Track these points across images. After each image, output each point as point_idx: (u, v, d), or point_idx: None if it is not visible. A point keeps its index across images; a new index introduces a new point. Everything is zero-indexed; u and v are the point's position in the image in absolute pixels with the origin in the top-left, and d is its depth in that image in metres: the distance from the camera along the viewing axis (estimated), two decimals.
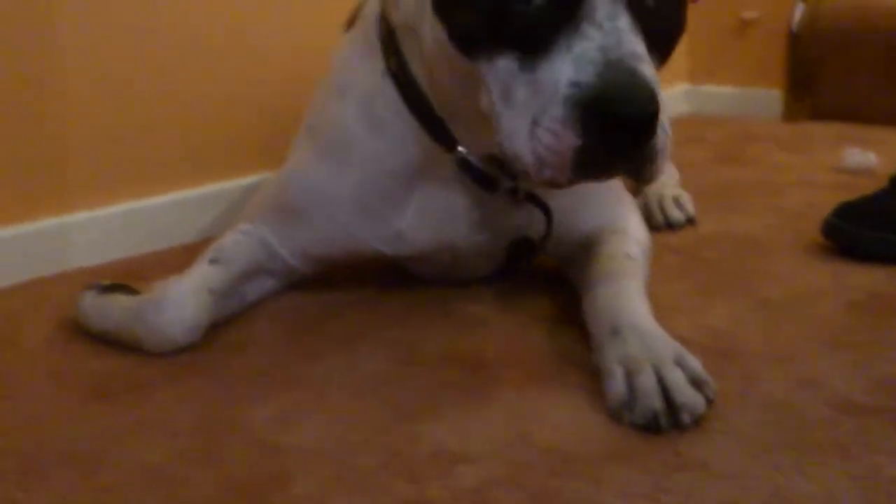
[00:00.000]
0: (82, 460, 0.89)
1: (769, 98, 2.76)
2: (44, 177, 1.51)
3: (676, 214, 1.61)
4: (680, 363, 0.95)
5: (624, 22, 0.89)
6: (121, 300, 1.19)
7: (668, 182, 1.72)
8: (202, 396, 1.02)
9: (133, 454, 0.90)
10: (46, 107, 1.49)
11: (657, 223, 1.59)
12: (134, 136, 1.60)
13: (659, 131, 0.88)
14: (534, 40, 0.90)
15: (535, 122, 0.90)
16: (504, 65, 0.93)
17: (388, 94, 1.17)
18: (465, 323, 1.19)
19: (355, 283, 1.34)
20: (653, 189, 1.67)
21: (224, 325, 1.21)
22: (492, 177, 1.15)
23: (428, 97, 1.14)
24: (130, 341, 1.15)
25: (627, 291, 1.08)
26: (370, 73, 1.18)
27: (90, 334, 1.19)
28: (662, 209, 1.62)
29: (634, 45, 0.89)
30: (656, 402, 0.90)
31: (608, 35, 0.88)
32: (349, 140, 1.20)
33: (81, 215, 1.55)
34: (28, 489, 0.84)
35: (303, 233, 1.25)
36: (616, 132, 0.87)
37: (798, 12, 2.67)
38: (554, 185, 0.93)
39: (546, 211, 1.18)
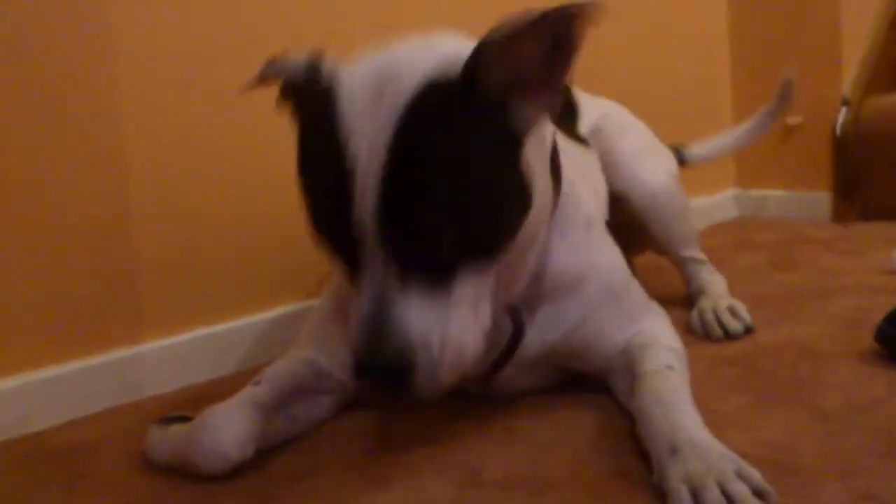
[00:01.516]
0: None
1: (818, 200, 2.79)
2: (115, 309, 1.58)
3: (735, 325, 1.62)
4: (741, 475, 0.97)
5: (373, 283, 1.00)
6: (177, 429, 1.23)
7: (719, 292, 1.75)
8: None
9: None
10: (117, 241, 1.56)
11: (717, 335, 1.61)
12: (203, 264, 1.67)
13: (421, 368, 0.99)
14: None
15: None
16: None
17: None
18: (527, 442, 1.21)
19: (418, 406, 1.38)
20: (704, 302, 1.70)
21: (289, 452, 1.25)
22: None
23: None
24: (189, 468, 1.18)
25: (677, 406, 1.11)
26: None
27: (159, 467, 1.23)
28: (720, 321, 1.64)
29: (383, 306, 0.98)
30: None
31: (362, 304, 1.00)
32: None
33: (152, 344, 1.61)
34: None
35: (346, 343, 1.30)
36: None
37: (841, 116, 2.72)
38: None
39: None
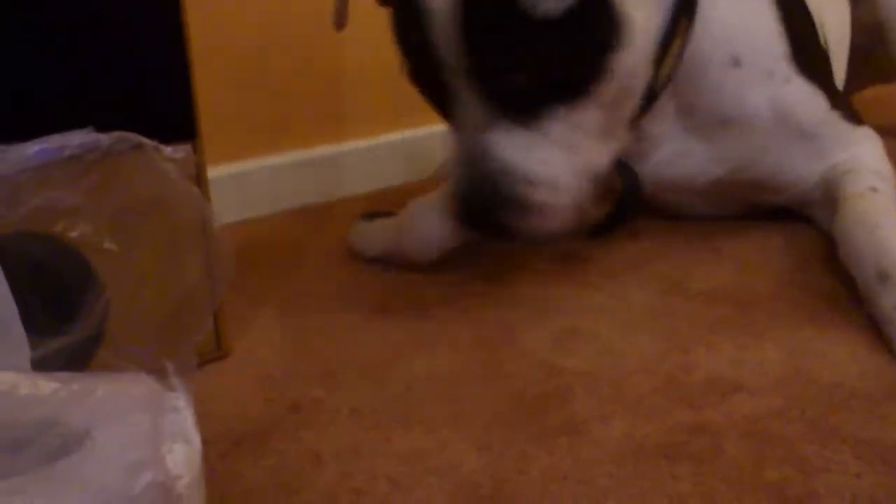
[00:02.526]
0: (374, 368, 0.96)
1: None
2: (321, 109, 1.62)
3: None
4: None
5: (465, 126, 1.02)
6: (384, 222, 1.28)
7: None
8: (479, 316, 1.07)
9: (419, 365, 0.96)
10: (324, 45, 1.59)
11: None
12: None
13: (526, 196, 0.99)
14: None
15: None
16: None
17: None
18: (732, 260, 1.19)
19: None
20: None
21: (488, 252, 1.27)
22: None
23: None
24: (399, 257, 1.23)
25: (884, 228, 1.03)
26: None
27: (364, 260, 1.28)
28: None
29: (474, 145, 1.00)
30: None
31: (466, 145, 1.02)
32: None
33: (352, 144, 1.65)
34: (329, 390, 0.92)
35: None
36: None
37: None
38: None
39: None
